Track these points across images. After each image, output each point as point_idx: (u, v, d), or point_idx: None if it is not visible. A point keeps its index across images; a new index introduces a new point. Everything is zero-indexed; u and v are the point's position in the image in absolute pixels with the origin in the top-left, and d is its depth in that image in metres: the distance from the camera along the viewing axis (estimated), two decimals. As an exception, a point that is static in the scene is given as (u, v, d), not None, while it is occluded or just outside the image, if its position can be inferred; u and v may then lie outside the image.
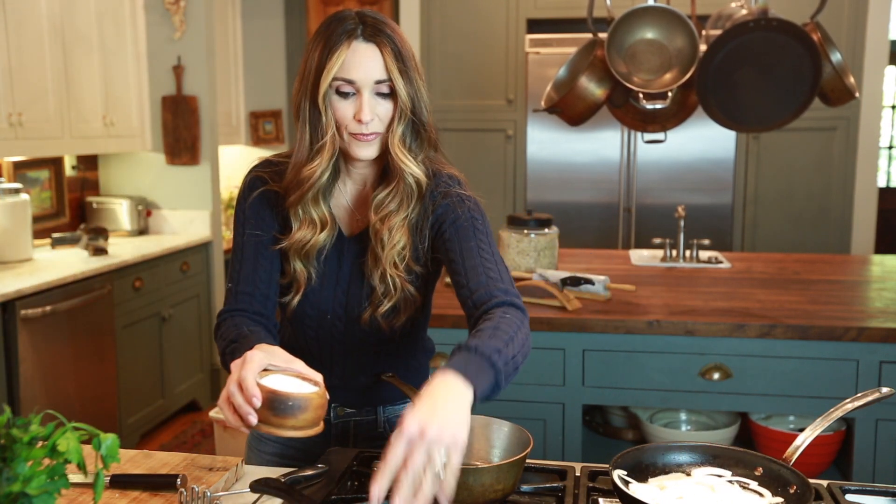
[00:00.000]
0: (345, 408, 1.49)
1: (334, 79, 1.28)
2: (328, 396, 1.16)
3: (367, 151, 1.33)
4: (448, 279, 2.77)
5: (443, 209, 1.38)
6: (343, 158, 1.39)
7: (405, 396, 1.49)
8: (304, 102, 1.32)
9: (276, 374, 1.14)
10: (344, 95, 1.30)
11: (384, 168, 1.40)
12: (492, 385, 1.12)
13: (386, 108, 1.31)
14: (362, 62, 1.28)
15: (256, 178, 1.42)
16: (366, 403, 1.49)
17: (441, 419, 0.98)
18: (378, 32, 1.29)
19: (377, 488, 0.95)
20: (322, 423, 1.15)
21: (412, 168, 1.34)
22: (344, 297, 1.41)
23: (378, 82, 1.29)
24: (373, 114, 1.30)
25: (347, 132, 1.32)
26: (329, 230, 1.38)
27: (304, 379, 1.16)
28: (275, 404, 1.09)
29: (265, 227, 1.40)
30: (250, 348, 1.17)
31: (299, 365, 1.17)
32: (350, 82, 1.28)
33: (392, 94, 1.30)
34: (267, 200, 1.41)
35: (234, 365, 1.13)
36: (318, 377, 1.17)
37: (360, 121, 1.29)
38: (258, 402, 1.08)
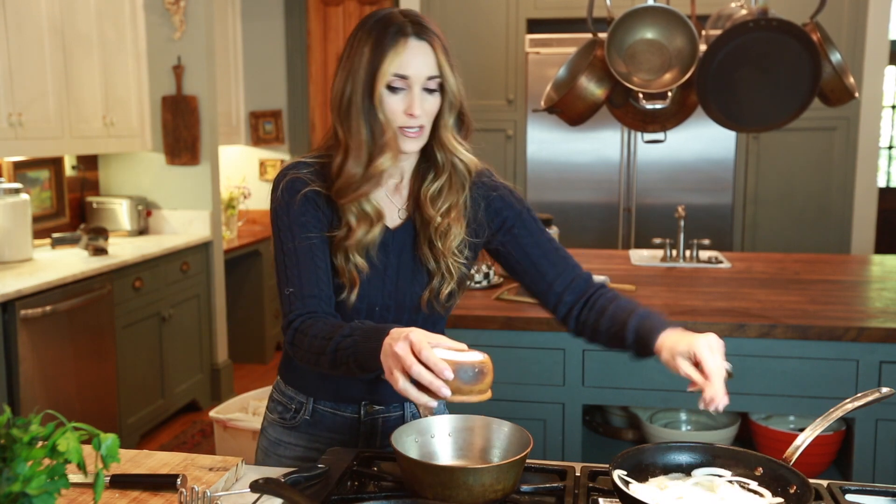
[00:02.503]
0: (373, 405, 1.49)
1: (393, 75, 1.32)
2: None
3: (414, 145, 1.38)
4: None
5: (500, 203, 1.46)
6: None
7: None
8: (358, 99, 1.34)
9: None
10: (394, 91, 1.34)
11: (426, 160, 1.44)
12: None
13: (433, 102, 1.36)
14: (416, 58, 1.33)
15: (296, 180, 1.41)
16: (393, 399, 1.49)
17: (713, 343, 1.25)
18: (427, 30, 1.35)
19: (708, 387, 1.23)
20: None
21: (465, 155, 1.41)
22: (393, 288, 1.43)
23: (430, 78, 1.34)
24: (421, 109, 1.34)
25: (396, 127, 1.35)
26: (381, 223, 1.41)
27: (458, 350, 1.19)
28: (462, 374, 1.16)
29: (314, 229, 1.40)
30: (383, 333, 1.20)
31: (444, 339, 1.19)
32: (404, 78, 1.33)
33: (440, 90, 1.36)
34: (311, 202, 1.40)
35: (402, 348, 1.14)
36: (464, 346, 1.21)
37: (411, 115, 1.33)
38: (451, 375, 1.14)
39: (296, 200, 1.40)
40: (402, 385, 1.14)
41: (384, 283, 1.42)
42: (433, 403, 1.16)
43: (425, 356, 1.13)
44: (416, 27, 1.34)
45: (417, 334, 1.15)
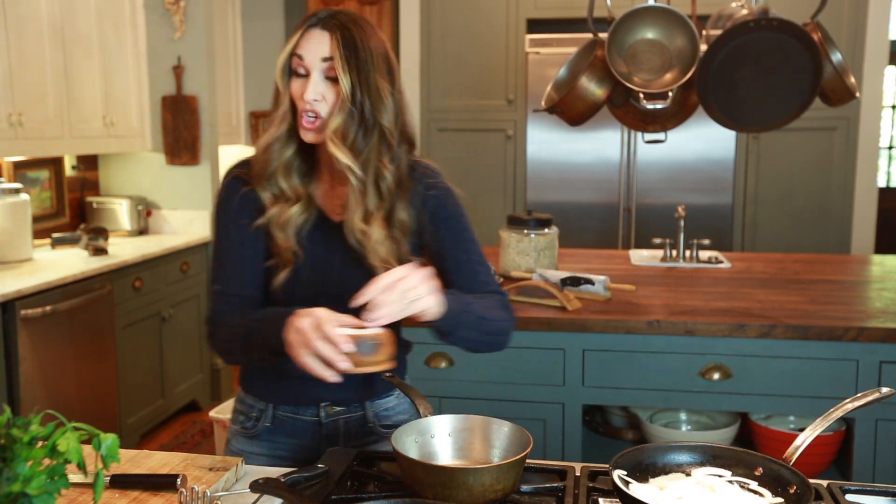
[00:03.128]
0: (334, 406, 1.49)
1: (292, 56, 1.35)
2: None
3: (308, 135, 1.37)
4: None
5: (435, 201, 1.45)
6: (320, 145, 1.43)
7: (391, 388, 1.52)
8: (275, 84, 1.39)
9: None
10: (300, 76, 1.36)
11: None
12: (458, 318, 1.33)
13: (333, 94, 1.35)
14: (311, 42, 1.35)
15: (235, 179, 1.45)
16: (353, 399, 1.49)
17: (424, 277, 1.24)
18: (337, 23, 1.35)
19: (362, 298, 1.20)
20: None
21: (343, 159, 1.35)
22: (338, 282, 1.42)
23: (325, 60, 1.34)
24: (318, 94, 1.34)
25: (298, 113, 1.37)
26: (303, 206, 1.41)
27: (359, 327, 1.22)
28: (362, 346, 1.20)
29: (248, 229, 1.43)
30: (289, 314, 1.23)
31: (348, 318, 1.21)
32: (300, 58, 1.35)
33: (337, 81, 1.34)
34: (250, 202, 1.43)
35: (305, 324, 1.18)
36: (367, 324, 1.22)
37: (304, 99, 1.34)
38: (350, 348, 1.18)
39: (234, 200, 1.44)
40: (304, 359, 1.18)
41: (328, 275, 1.43)
42: (334, 378, 1.20)
43: (326, 331, 1.17)
44: (329, 19, 1.35)
45: (321, 311, 1.19)
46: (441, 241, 1.46)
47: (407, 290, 1.21)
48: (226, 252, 1.44)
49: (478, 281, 1.46)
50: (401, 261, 1.39)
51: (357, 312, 1.23)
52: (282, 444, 1.50)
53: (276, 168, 1.40)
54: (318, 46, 1.34)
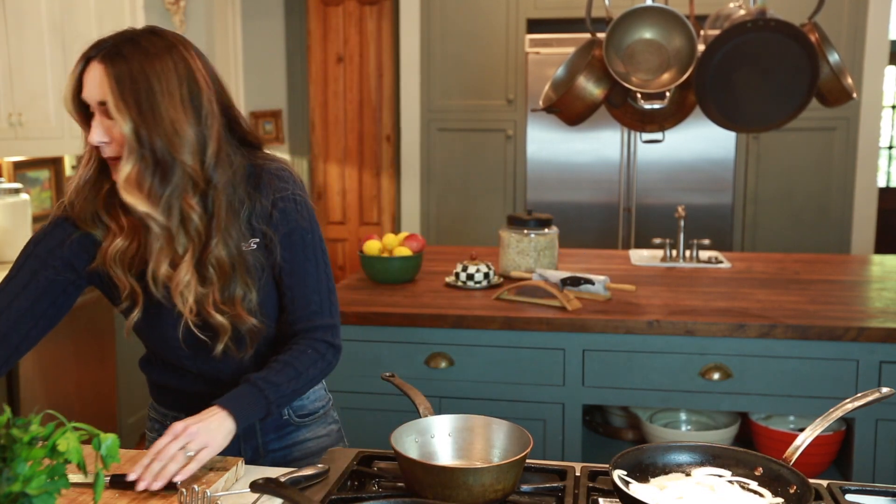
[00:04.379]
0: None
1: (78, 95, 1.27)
2: None
3: (116, 175, 1.27)
4: (447, 280, 2.77)
5: (279, 215, 1.36)
6: None
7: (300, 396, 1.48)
8: None
9: None
10: (91, 115, 1.27)
11: None
12: (262, 413, 1.33)
13: (118, 134, 1.24)
14: (89, 80, 1.24)
15: (64, 222, 1.36)
16: None
17: (201, 427, 1.24)
18: (116, 53, 1.22)
19: (138, 466, 1.21)
20: None
21: (140, 208, 1.25)
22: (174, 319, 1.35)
23: (100, 104, 1.24)
24: (107, 136, 1.25)
25: None
26: (128, 235, 1.33)
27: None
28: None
29: (53, 262, 1.35)
30: None
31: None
32: (82, 95, 1.26)
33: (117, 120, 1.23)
34: (85, 244, 1.36)
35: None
36: None
37: (90, 143, 1.27)
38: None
39: (60, 244, 1.35)
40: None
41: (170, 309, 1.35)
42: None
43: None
44: (110, 48, 1.23)
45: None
46: (281, 260, 1.38)
47: (178, 451, 1.21)
48: (7, 290, 1.34)
49: (308, 311, 1.38)
50: (217, 308, 1.31)
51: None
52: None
53: (98, 206, 1.32)
54: (93, 86, 1.23)
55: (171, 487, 1.22)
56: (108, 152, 1.27)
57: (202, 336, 1.36)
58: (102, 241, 1.35)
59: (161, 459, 1.20)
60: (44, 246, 1.37)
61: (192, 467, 1.22)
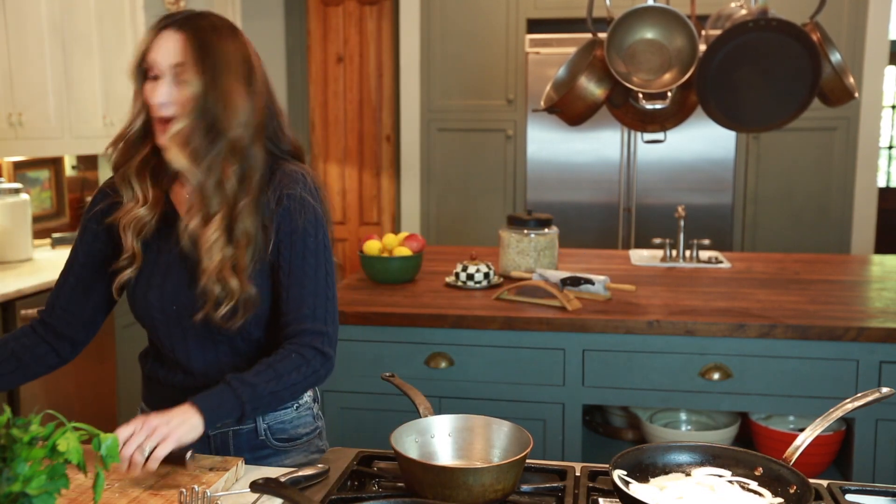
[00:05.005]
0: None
1: (142, 59, 1.34)
2: None
3: (162, 138, 1.35)
4: (447, 280, 2.77)
5: (283, 213, 1.39)
6: None
7: (290, 401, 1.48)
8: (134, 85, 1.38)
9: None
10: (152, 79, 1.34)
11: None
12: (236, 413, 1.31)
13: (185, 95, 1.32)
14: (162, 45, 1.33)
15: (101, 192, 1.48)
16: None
17: (161, 420, 1.24)
18: (190, 25, 1.33)
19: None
20: None
21: (178, 163, 1.34)
22: (187, 287, 1.40)
23: (175, 65, 1.32)
24: (168, 98, 1.32)
25: (152, 118, 1.36)
26: (150, 208, 1.40)
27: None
28: None
29: (100, 242, 1.46)
30: None
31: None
32: (152, 61, 1.33)
33: (187, 85, 1.32)
34: (111, 208, 1.45)
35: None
36: None
37: (153, 103, 1.33)
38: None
39: (93, 210, 1.47)
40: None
41: (179, 282, 1.40)
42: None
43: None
44: (184, 21, 1.33)
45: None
46: (279, 259, 1.39)
47: (154, 436, 1.21)
48: (70, 267, 1.48)
49: (300, 314, 1.37)
50: (238, 274, 1.35)
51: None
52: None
53: (131, 168, 1.40)
54: (168, 50, 1.32)
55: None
56: (165, 112, 1.33)
57: (196, 299, 1.37)
58: (124, 203, 1.41)
59: (124, 454, 1.21)
60: (84, 222, 1.49)
61: (152, 466, 1.21)
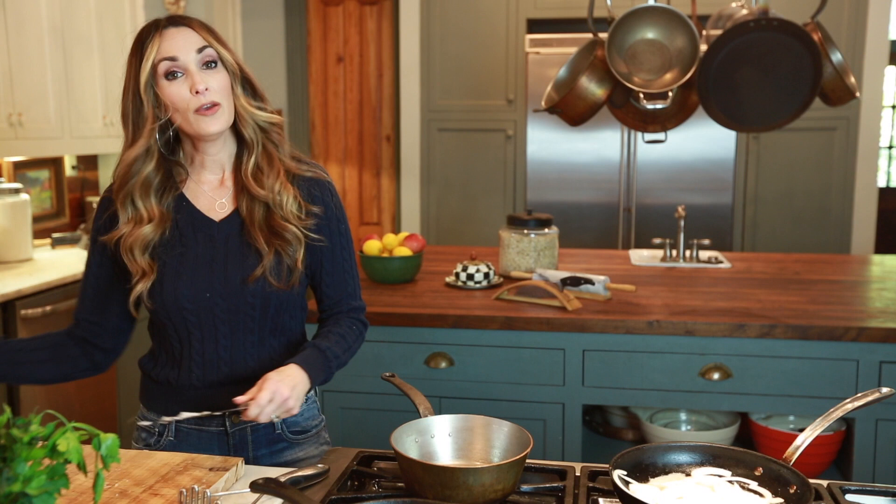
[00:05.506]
0: (239, 415, 1.45)
1: (159, 62, 1.35)
2: None
3: (215, 124, 1.39)
4: (447, 280, 2.77)
5: (319, 191, 1.51)
6: (194, 148, 1.45)
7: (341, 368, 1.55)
8: (127, 104, 1.39)
9: None
10: (174, 77, 1.37)
11: (239, 146, 1.48)
12: (323, 377, 1.44)
13: (218, 78, 1.39)
14: (176, 39, 1.37)
15: (105, 200, 1.48)
16: None
17: (288, 386, 1.33)
18: (183, 19, 1.40)
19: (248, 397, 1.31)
20: None
21: (265, 116, 1.44)
22: (222, 273, 1.44)
23: (200, 51, 1.37)
24: (206, 83, 1.37)
25: (192, 112, 1.37)
26: (156, 225, 1.42)
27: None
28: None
29: (110, 252, 1.46)
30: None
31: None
32: (173, 59, 1.36)
33: (218, 63, 1.39)
34: (108, 212, 1.46)
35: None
36: None
37: (197, 91, 1.35)
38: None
39: (101, 219, 1.47)
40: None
41: (211, 270, 1.44)
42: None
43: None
44: (171, 19, 1.40)
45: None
46: (320, 244, 1.50)
47: (282, 402, 1.32)
48: (85, 274, 1.50)
49: (345, 293, 1.54)
50: (290, 220, 1.44)
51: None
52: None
53: (134, 186, 1.41)
54: (186, 40, 1.37)
55: (179, 484, 1.22)
56: (211, 96, 1.37)
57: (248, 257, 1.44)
58: (121, 222, 1.43)
59: (265, 410, 1.31)
60: (95, 230, 1.51)
61: (278, 415, 1.34)
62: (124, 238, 1.41)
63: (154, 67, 1.36)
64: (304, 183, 1.49)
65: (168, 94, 1.36)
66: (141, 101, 1.37)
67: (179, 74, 1.36)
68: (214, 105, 1.37)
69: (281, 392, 1.31)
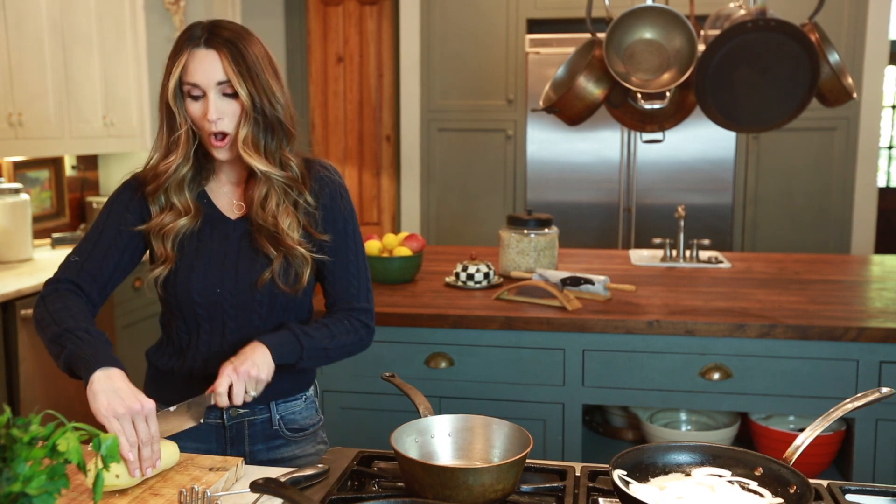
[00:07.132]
0: (237, 408, 1.50)
1: (183, 83, 1.40)
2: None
3: (221, 154, 1.44)
4: (447, 280, 2.77)
5: (329, 198, 1.53)
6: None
7: (298, 391, 1.57)
8: (164, 102, 1.43)
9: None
10: (195, 98, 1.41)
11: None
12: (294, 358, 1.44)
13: (234, 108, 1.41)
14: (201, 66, 1.39)
15: (133, 181, 1.53)
16: (259, 400, 1.47)
17: (251, 365, 1.36)
18: (219, 39, 1.40)
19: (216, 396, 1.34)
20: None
21: (262, 167, 1.43)
22: (234, 271, 1.48)
23: (220, 83, 1.39)
24: (221, 113, 1.40)
25: (203, 133, 1.43)
26: (192, 217, 1.48)
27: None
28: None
29: (128, 221, 1.50)
30: (103, 356, 1.33)
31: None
32: (194, 85, 1.40)
33: (237, 96, 1.40)
34: (140, 204, 1.50)
35: (133, 403, 1.25)
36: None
37: (208, 120, 1.39)
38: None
39: (124, 191, 1.52)
40: (110, 423, 1.22)
41: (224, 266, 1.48)
42: (136, 472, 1.24)
43: (155, 439, 1.26)
44: (210, 37, 1.39)
45: (153, 408, 1.26)
46: (328, 246, 1.52)
47: (248, 379, 1.34)
48: (98, 231, 1.50)
49: (348, 294, 1.54)
50: (311, 241, 1.49)
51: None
52: (184, 449, 1.47)
53: (170, 185, 1.46)
54: (209, 69, 1.38)
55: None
56: (222, 126, 1.40)
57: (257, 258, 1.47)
58: (154, 213, 1.48)
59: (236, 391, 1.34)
60: (118, 199, 1.53)
61: (252, 395, 1.37)
62: (163, 226, 1.47)
63: (179, 82, 1.41)
64: (314, 184, 1.51)
65: (189, 110, 1.42)
66: (171, 110, 1.43)
67: (199, 96, 1.40)
68: (224, 136, 1.42)
69: (241, 372, 1.34)
